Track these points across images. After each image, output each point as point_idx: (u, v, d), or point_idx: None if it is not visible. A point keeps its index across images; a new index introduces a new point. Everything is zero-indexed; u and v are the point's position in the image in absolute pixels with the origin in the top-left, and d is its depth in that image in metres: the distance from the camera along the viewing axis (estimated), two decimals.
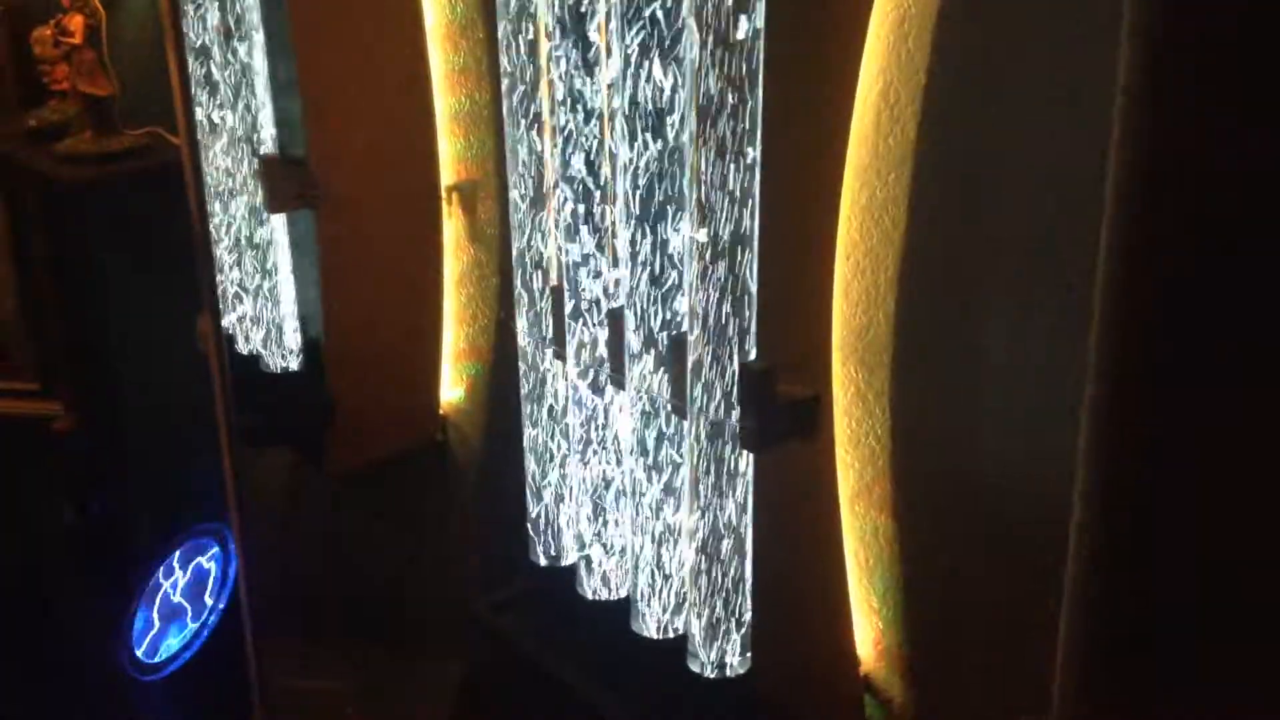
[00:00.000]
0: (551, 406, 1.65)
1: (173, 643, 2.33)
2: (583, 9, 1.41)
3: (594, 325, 1.52)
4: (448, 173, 1.94)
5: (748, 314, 1.31)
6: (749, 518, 1.40)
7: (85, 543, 2.68)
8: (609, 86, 1.41)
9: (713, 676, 1.46)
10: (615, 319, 1.47)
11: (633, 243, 1.38)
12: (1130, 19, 0.79)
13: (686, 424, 1.39)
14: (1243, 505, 0.86)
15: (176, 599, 2.36)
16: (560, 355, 1.59)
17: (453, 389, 2.07)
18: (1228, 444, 0.85)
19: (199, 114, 1.96)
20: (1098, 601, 0.91)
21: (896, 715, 1.43)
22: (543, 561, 1.71)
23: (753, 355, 1.32)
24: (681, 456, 1.44)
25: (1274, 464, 0.85)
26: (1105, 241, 0.84)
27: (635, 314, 1.40)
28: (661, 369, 1.41)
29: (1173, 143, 0.80)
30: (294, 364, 2.07)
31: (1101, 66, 0.84)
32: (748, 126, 1.24)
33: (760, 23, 1.21)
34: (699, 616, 1.44)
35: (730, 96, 1.22)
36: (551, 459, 1.66)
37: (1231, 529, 0.87)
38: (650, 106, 1.31)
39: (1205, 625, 0.90)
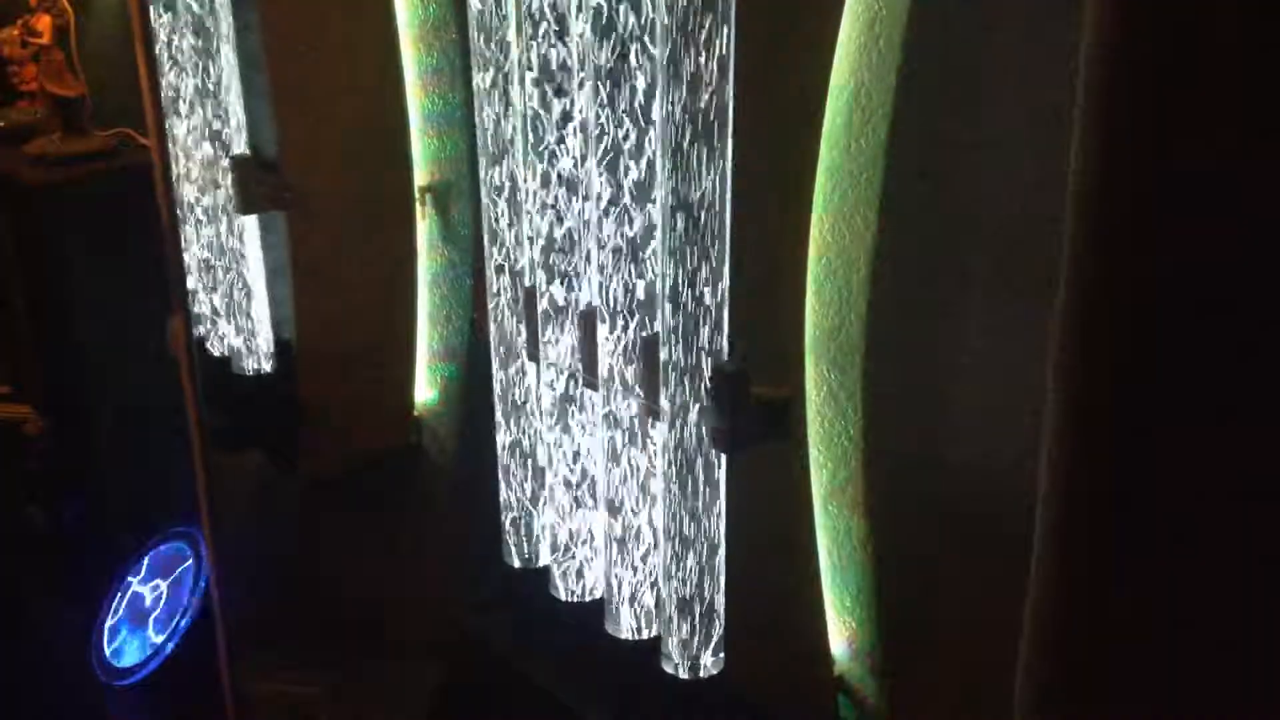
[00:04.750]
0: (525, 408, 1.64)
1: (144, 647, 2.31)
2: (558, 10, 1.40)
3: (566, 327, 1.51)
4: (421, 173, 1.93)
5: (721, 315, 1.31)
6: (722, 519, 1.40)
7: (56, 546, 2.66)
8: (580, 85, 1.40)
9: (686, 677, 1.46)
10: (588, 321, 1.46)
11: (604, 245, 1.38)
12: (1091, 24, 0.80)
13: (659, 425, 1.39)
14: (1205, 505, 0.87)
15: (148, 603, 2.35)
16: (533, 357, 1.58)
17: (426, 391, 2.06)
18: (1190, 443, 0.86)
19: (168, 115, 1.95)
20: (1061, 602, 0.92)
21: (870, 715, 1.43)
22: (517, 563, 1.71)
23: (726, 357, 1.32)
24: (654, 458, 1.44)
25: (1237, 462, 0.85)
26: (1068, 243, 0.84)
27: (607, 316, 1.40)
28: (634, 371, 1.41)
29: (1130, 143, 0.81)
30: (266, 366, 2.06)
31: (1070, 67, 0.85)
32: (720, 126, 1.24)
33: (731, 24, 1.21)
34: (672, 617, 1.44)
35: (702, 96, 1.22)
36: (525, 461, 1.66)
37: (1194, 529, 0.88)
38: (623, 105, 1.31)
39: (1166, 626, 0.91)
